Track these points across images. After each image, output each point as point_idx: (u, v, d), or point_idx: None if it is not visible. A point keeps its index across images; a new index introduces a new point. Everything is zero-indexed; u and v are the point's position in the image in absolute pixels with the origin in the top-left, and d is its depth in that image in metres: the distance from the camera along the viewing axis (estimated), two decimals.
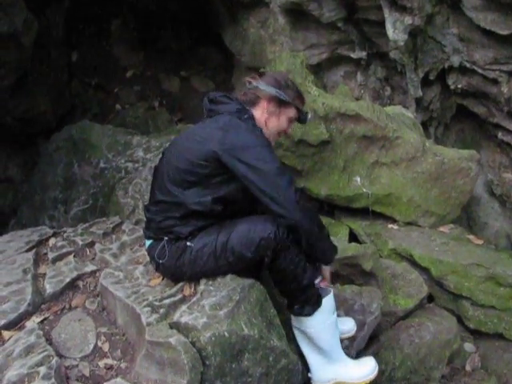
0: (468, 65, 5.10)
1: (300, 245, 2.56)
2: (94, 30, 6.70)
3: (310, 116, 2.98)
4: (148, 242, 2.73)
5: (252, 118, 2.70)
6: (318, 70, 5.71)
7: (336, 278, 3.48)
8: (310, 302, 2.67)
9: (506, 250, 4.90)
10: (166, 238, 2.62)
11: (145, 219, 2.79)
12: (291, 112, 2.84)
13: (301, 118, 2.90)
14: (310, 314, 2.68)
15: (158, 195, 2.65)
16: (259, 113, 2.75)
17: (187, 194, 2.54)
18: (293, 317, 2.79)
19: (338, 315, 3.16)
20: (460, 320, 3.96)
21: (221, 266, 2.57)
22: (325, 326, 2.74)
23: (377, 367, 2.88)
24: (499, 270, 3.88)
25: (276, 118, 2.79)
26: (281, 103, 2.77)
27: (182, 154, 2.60)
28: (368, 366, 2.87)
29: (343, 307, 3.26)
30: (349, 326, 3.07)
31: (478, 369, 3.77)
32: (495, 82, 5.04)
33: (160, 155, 2.87)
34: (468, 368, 3.77)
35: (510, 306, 3.85)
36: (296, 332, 2.81)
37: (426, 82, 5.43)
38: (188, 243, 2.57)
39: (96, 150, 4.87)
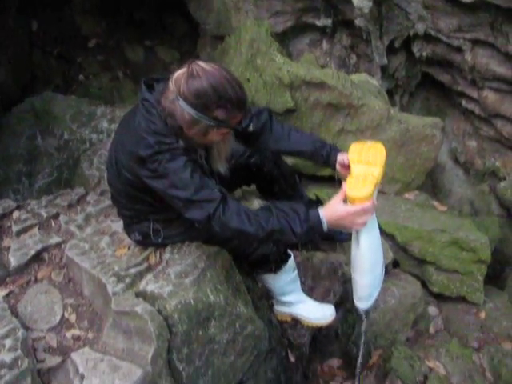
0: (433, 32, 5.10)
1: None
2: None
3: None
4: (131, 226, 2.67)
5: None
6: (283, 38, 5.66)
7: (302, 245, 3.52)
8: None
9: (469, 216, 4.99)
10: (151, 219, 2.55)
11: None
12: (223, 130, 2.26)
13: (239, 131, 2.37)
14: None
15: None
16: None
17: None
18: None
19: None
20: (424, 284, 4.05)
21: None
22: (285, 283, 2.87)
23: (334, 315, 3.06)
24: (462, 234, 3.95)
25: (202, 136, 2.24)
26: (207, 126, 2.18)
27: (114, 147, 2.49)
28: (326, 311, 3.06)
29: (310, 274, 3.31)
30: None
31: (442, 331, 3.86)
32: (459, 49, 5.07)
33: None
34: (432, 330, 3.87)
35: (471, 269, 3.94)
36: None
37: (391, 50, 5.43)
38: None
39: (59, 122, 4.79)
